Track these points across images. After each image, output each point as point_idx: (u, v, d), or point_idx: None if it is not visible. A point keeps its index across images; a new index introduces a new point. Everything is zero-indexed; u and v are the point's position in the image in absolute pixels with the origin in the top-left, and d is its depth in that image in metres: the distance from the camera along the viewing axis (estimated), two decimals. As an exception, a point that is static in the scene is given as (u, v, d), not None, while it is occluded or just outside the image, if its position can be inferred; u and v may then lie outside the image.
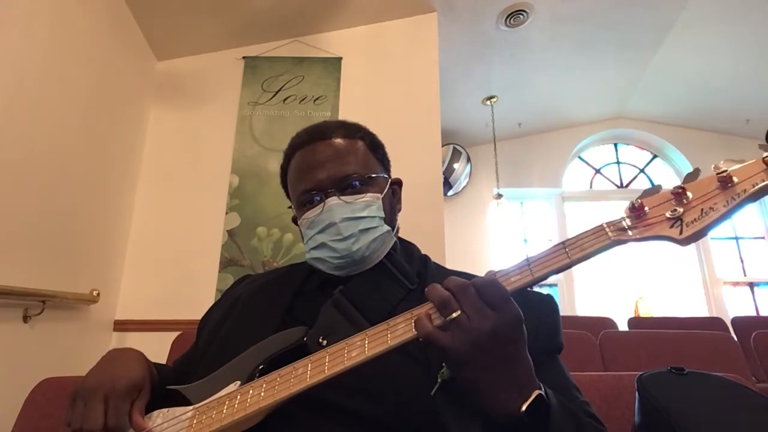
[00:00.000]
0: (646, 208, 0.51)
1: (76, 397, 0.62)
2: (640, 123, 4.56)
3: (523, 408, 0.46)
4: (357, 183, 0.74)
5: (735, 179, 0.48)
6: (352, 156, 0.76)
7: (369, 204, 0.74)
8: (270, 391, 0.55)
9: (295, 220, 0.81)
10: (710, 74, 3.67)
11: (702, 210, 0.48)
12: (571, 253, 0.51)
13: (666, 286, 4.25)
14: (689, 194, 0.50)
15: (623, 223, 0.52)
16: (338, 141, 0.77)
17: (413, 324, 0.51)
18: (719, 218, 0.47)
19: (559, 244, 0.53)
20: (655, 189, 0.53)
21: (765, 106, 3.97)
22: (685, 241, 0.48)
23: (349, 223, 0.71)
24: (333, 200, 0.72)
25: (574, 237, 0.52)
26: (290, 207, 0.82)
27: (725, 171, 0.48)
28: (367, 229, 0.72)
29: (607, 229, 0.51)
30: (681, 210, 0.49)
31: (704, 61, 3.53)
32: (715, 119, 4.29)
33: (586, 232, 0.52)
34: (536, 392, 0.47)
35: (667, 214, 0.50)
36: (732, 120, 4.24)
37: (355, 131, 0.80)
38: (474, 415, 0.51)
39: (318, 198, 0.74)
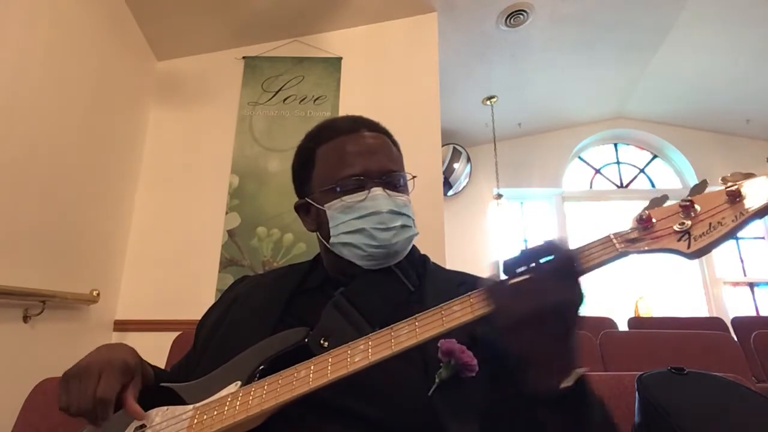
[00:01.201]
0: (654, 220, 0.51)
1: (68, 380, 0.61)
2: (640, 123, 4.56)
3: (567, 384, 0.46)
4: (401, 180, 0.76)
5: (743, 194, 0.47)
6: (397, 154, 0.78)
7: (406, 204, 0.75)
8: (272, 393, 0.55)
9: (299, 207, 0.80)
10: (710, 74, 3.67)
11: (710, 224, 0.48)
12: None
13: (666, 286, 4.25)
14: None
15: (631, 234, 0.52)
16: (384, 136, 0.79)
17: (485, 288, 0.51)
18: (728, 233, 0.47)
19: None
20: (661, 199, 0.53)
21: (765, 106, 3.97)
22: (693, 255, 0.48)
23: (394, 215, 0.72)
24: (378, 190, 0.72)
25: (580, 246, 0.52)
26: (308, 195, 0.78)
27: (734, 185, 0.48)
28: (405, 227, 0.73)
29: (615, 240, 0.51)
30: (689, 223, 0.49)
31: (704, 61, 3.52)
32: (715, 119, 4.29)
33: (594, 242, 0.52)
34: (581, 370, 0.47)
35: (675, 227, 0.50)
36: (732, 120, 4.24)
37: (390, 134, 0.82)
38: (471, 414, 0.51)
39: (362, 185, 0.73)
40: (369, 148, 0.75)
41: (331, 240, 0.74)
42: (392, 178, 0.74)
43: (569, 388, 0.46)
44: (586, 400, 0.49)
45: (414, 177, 0.78)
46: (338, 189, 0.73)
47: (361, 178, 0.73)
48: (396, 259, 0.74)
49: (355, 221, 0.72)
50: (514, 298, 0.47)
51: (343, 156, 0.74)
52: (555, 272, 0.48)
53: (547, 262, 0.49)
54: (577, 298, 0.47)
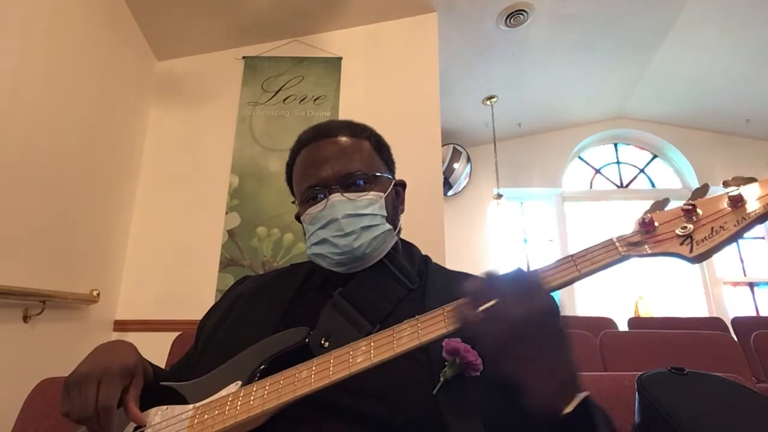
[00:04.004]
0: (656, 224, 0.51)
1: (69, 387, 0.61)
2: (640, 123, 4.57)
3: (569, 409, 0.45)
4: (361, 181, 0.74)
5: (745, 198, 0.48)
6: (357, 155, 0.76)
7: (372, 202, 0.74)
8: (273, 393, 0.55)
9: (298, 217, 0.81)
10: (710, 74, 3.67)
11: (713, 228, 0.48)
12: (581, 266, 0.51)
13: (666, 286, 4.26)
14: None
15: (633, 237, 0.51)
16: (344, 139, 0.78)
17: (453, 316, 0.51)
18: (730, 238, 0.47)
19: (567, 258, 0.53)
20: (663, 203, 0.53)
21: (765, 106, 3.97)
22: (695, 260, 0.48)
23: (351, 219, 0.72)
24: (336, 197, 0.72)
25: (583, 250, 0.52)
26: (294, 202, 0.82)
27: (736, 190, 0.48)
28: (369, 227, 0.73)
29: (617, 244, 0.51)
30: (691, 227, 0.49)
31: (704, 61, 3.52)
32: (715, 119, 4.29)
33: (596, 245, 0.52)
34: (583, 393, 0.46)
35: (678, 231, 0.50)
36: (732, 120, 4.24)
37: (361, 131, 0.81)
38: (475, 414, 0.51)
39: (321, 194, 0.74)
40: (323, 157, 0.75)
41: (307, 252, 0.77)
42: (350, 180, 0.74)
43: (573, 412, 0.45)
44: (592, 423, 0.47)
45: (374, 175, 0.76)
46: (304, 201, 0.76)
47: (318, 187, 0.74)
48: (369, 260, 0.74)
49: (319, 231, 0.73)
50: (486, 326, 0.47)
51: (303, 168, 0.78)
52: (515, 288, 0.48)
53: (506, 282, 0.49)
54: (545, 307, 0.47)
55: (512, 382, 0.46)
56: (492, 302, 0.48)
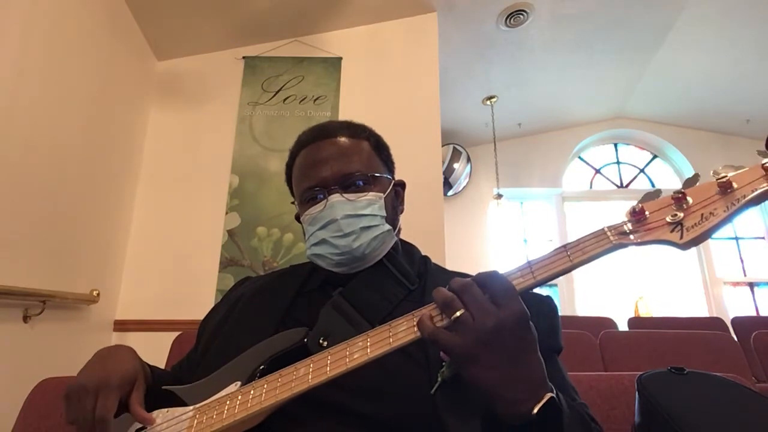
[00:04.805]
0: (647, 213, 0.52)
1: (69, 396, 0.62)
2: (640, 123, 4.57)
3: (535, 410, 0.45)
4: (360, 182, 0.74)
5: (734, 185, 0.48)
6: (356, 155, 0.76)
7: (371, 202, 0.74)
8: (271, 391, 0.55)
9: (298, 218, 0.82)
10: (710, 74, 3.67)
11: (702, 215, 0.49)
12: (573, 256, 0.51)
13: (666, 286, 4.26)
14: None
15: (624, 227, 0.52)
16: (343, 140, 0.77)
17: (416, 325, 0.51)
18: (719, 223, 0.47)
19: (560, 248, 0.53)
20: (655, 193, 0.54)
21: (765, 106, 3.97)
22: (685, 246, 0.48)
23: (350, 220, 0.72)
24: (335, 197, 0.72)
25: (575, 240, 0.53)
26: (293, 202, 0.82)
27: (725, 176, 0.49)
28: (368, 227, 0.73)
29: (609, 233, 0.52)
30: (681, 215, 0.50)
31: (704, 61, 3.53)
32: (715, 119, 4.29)
33: (588, 235, 0.52)
34: (548, 395, 0.47)
35: (668, 219, 0.50)
36: (732, 120, 4.24)
37: (360, 131, 0.81)
38: (473, 414, 0.51)
39: (321, 195, 0.74)
40: (322, 158, 0.75)
41: (307, 252, 0.77)
42: (349, 181, 0.74)
43: (540, 412, 0.45)
44: (560, 422, 0.48)
45: (374, 175, 0.76)
46: (304, 202, 0.76)
47: (317, 188, 0.74)
48: (368, 260, 0.73)
49: (319, 232, 0.73)
50: (457, 336, 0.47)
51: (302, 169, 0.78)
52: (481, 298, 0.48)
53: (472, 291, 0.49)
54: (513, 315, 0.47)
55: (481, 389, 0.47)
56: (459, 313, 0.48)
